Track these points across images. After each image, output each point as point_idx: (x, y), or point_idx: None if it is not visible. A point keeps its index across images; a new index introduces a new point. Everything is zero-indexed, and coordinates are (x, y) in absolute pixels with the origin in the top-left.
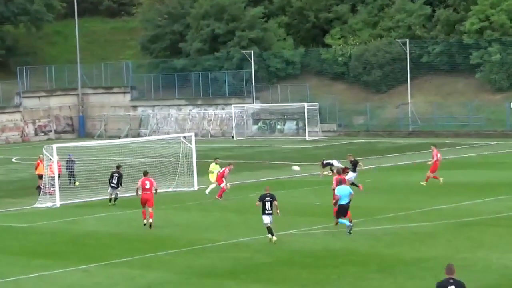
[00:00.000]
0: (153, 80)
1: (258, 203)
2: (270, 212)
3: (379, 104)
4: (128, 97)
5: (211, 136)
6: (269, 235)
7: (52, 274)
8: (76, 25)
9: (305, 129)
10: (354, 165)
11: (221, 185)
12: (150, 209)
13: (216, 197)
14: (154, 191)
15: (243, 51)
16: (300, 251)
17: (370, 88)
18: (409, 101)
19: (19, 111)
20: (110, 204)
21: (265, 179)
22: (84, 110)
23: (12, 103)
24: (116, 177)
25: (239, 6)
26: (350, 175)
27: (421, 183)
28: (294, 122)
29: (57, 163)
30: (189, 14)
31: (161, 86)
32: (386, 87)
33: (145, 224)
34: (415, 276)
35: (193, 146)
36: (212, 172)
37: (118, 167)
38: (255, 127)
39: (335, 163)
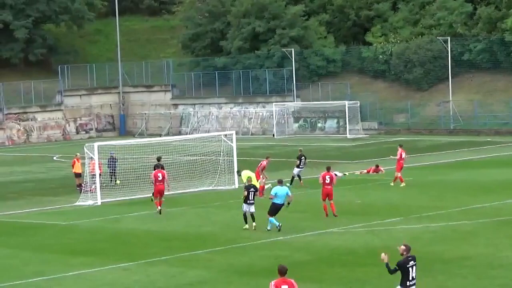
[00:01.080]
0: (194, 78)
1: (245, 192)
2: (252, 202)
3: (420, 102)
4: (169, 95)
5: (251, 134)
6: (247, 224)
7: (93, 272)
8: (117, 24)
9: (346, 127)
10: (300, 160)
11: (258, 182)
12: (162, 199)
13: (258, 196)
14: (166, 184)
15: (284, 49)
16: (340, 249)
17: (411, 86)
18: (450, 99)
19: (61, 110)
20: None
21: (305, 177)
22: (125, 108)
23: (54, 102)
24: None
25: (279, 4)
26: (296, 170)
27: (391, 184)
28: (335, 120)
29: (98, 162)
30: (229, 12)
31: (201, 84)
32: (427, 85)
33: (160, 213)
34: (455, 274)
35: (234, 144)
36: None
37: (159, 159)
38: (296, 125)
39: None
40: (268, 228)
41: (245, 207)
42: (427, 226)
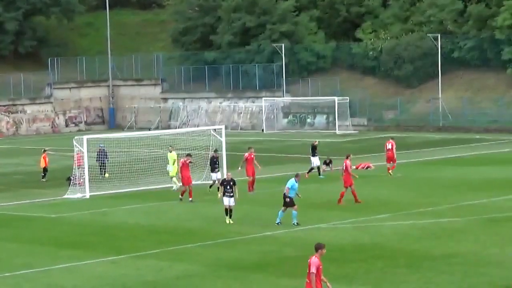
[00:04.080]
0: (184, 72)
1: (220, 187)
2: (231, 195)
3: (410, 98)
4: (158, 89)
5: (241, 129)
6: (227, 218)
7: (81, 265)
8: (108, 17)
9: (335, 123)
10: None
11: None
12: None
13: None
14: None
15: (274, 44)
16: (328, 245)
17: (401, 83)
18: (440, 96)
19: (50, 102)
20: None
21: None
22: (114, 101)
23: (43, 94)
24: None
25: None
26: (313, 160)
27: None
28: (324, 116)
29: (77, 154)
30: (220, 6)
31: (191, 78)
32: (417, 82)
33: (181, 199)
34: (443, 271)
35: (223, 139)
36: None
37: (215, 151)
38: (285, 120)
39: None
40: (277, 221)
41: (225, 201)
42: (415, 222)
